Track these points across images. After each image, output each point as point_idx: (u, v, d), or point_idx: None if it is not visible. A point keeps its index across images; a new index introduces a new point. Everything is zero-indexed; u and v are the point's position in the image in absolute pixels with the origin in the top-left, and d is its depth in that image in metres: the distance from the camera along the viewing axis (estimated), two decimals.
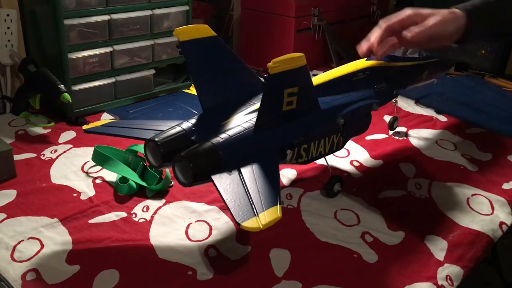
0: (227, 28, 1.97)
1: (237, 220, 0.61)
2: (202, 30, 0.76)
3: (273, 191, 0.66)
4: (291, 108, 0.74)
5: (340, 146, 0.88)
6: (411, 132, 1.24)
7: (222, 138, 0.71)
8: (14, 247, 0.77)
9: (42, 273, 0.72)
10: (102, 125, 0.85)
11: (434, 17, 0.86)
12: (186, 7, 1.38)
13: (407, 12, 0.88)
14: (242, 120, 0.76)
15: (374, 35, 0.89)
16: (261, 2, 1.69)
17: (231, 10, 1.93)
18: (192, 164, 0.67)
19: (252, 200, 0.64)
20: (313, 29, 1.69)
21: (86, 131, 0.83)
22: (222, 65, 0.79)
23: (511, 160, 1.12)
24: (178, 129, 0.74)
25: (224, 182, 0.67)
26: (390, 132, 1.21)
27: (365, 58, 0.96)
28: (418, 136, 1.21)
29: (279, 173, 0.71)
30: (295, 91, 0.72)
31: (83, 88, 1.23)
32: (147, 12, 1.29)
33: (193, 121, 0.76)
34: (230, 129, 0.73)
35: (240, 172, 0.68)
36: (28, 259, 0.74)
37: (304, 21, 1.65)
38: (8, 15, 1.22)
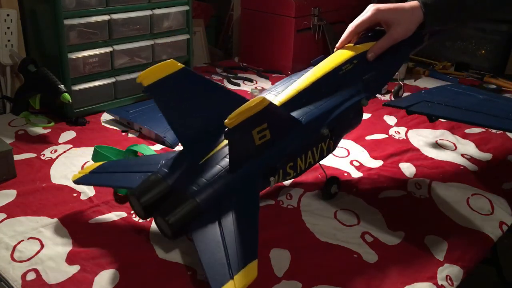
0: (227, 28, 1.97)
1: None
2: (167, 67, 0.73)
3: (252, 238, 0.65)
4: (266, 140, 0.71)
5: (331, 150, 0.85)
6: (411, 132, 1.24)
7: (199, 186, 0.70)
8: (14, 247, 0.77)
9: (42, 273, 0.72)
10: (90, 172, 0.83)
11: (399, 26, 0.90)
12: (186, 7, 1.38)
13: (370, 11, 0.91)
14: (221, 155, 0.74)
15: (342, 38, 0.94)
16: (261, 2, 1.69)
17: (231, 10, 1.94)
18: (170, 222, 0.68)
19: (229, 259, 0.63)
20: (313, 29, 1.69)
21: (75, 181, 0.83)
22: (195, 95, 0.76)
23: (511, 160, 1.12)
24: (156, 177, 0.73)
25: (203, 240, 0.67)
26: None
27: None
28: (418, 136, 1.21)
29: (259, 208, 0.71)
30: (264, 127, 0.70)
31: (83, 88, 1.23)
32: (147, 12, 1.29)
33: (170, 162, 0.75)
34: (208, 169, 0.72)
35: (219, 223, 0.68)
36: (28, 259, 0.74)
37: (304, 21, 1.65)
38: (8, 15, 1.22)
